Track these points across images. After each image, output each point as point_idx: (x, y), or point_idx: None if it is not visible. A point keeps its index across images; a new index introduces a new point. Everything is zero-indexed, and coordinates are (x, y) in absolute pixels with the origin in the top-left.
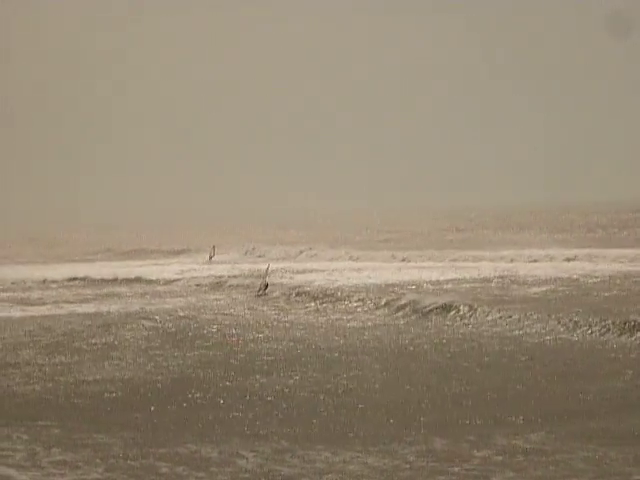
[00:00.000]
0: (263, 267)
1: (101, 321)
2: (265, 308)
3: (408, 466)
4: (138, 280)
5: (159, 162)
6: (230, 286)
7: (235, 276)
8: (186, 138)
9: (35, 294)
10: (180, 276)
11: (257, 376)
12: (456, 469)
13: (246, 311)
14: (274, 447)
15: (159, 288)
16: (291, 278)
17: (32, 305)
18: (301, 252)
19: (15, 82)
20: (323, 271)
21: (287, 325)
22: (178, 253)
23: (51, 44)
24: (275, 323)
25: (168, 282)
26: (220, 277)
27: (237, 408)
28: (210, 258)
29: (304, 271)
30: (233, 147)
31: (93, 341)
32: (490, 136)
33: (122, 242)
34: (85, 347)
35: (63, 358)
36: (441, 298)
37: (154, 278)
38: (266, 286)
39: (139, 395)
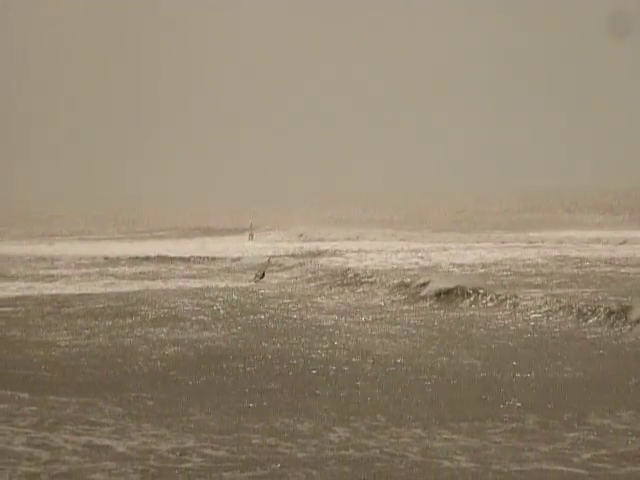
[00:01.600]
0: (312, 247)
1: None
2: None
3: (495, 445)
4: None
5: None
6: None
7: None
8: (249, 123)
9: (132, 269)
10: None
11: (353, 358)
12: (545, 448)
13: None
14: (368, 423)
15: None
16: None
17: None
18: (358, 237)
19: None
20: (367, 252)
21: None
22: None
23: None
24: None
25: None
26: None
27: (335, 385)
28: (251, 237)
29: (359, 251)
30: (291, 132)
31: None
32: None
33: (188, 220)
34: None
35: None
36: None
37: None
38: (263, 274)
39: (239, 371)
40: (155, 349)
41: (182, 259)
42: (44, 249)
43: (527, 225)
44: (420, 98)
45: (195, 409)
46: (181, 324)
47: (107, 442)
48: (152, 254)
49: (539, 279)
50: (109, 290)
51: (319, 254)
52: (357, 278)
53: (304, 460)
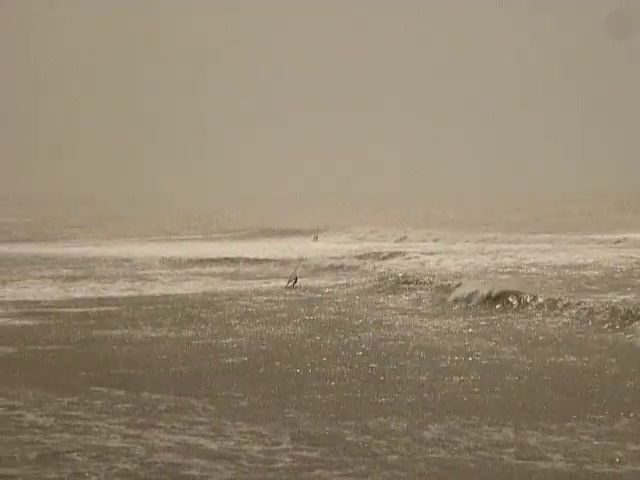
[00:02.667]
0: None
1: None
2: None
3: (587, 444)
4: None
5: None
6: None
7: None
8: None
9: (215, 269)
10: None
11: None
12: (636, 447)
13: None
14: (462, 422)
15: None
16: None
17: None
18: (432, 238)
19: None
20: (443, 253)
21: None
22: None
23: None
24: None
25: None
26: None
27: (429, 386)
28: (315, 239)
29: (432, 253)
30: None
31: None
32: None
33: (256, 222)
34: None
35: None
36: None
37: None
38: (296, 279)
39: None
40: (243, 347)
41: (257, 260)
42: (138, 250)
43: (615, 225)
44: (484, 94)
45: (289, 408)
46: (260, 321)
47: (201, 441)
48: (229, 255)
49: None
50: (200, 290)
51: (388, 256)
52: (415, 281)
53: (393, 462)
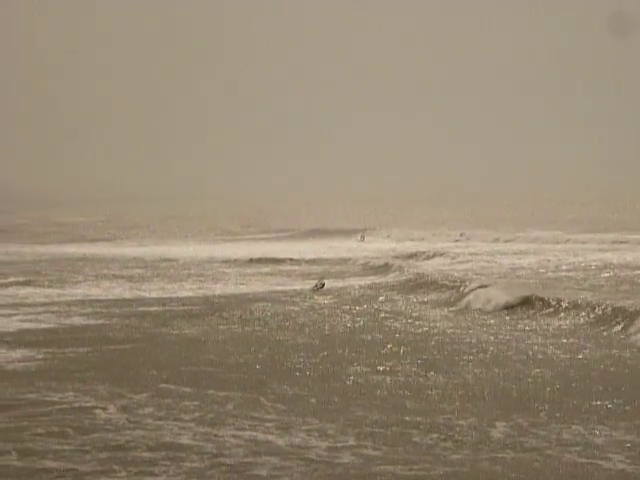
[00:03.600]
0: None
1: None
2: None
3: None
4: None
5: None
6: None
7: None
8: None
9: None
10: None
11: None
12: None
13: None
14: (531, 420)
15: None
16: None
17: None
18: (496, 239)
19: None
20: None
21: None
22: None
23: None
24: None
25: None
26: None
27: (497, 384)
28: (362, 239)
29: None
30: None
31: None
32: None
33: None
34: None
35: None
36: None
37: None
38: (323, 284)
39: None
40: (308, 344)
41: (308, 261)
42: (198, 249)
43: None
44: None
45: (356, 406)
46: (326, 320)
47: (270, 438)
48: (280, 255)
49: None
50: (265, 288)
51: (432, 256)
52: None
53: (457, 460)
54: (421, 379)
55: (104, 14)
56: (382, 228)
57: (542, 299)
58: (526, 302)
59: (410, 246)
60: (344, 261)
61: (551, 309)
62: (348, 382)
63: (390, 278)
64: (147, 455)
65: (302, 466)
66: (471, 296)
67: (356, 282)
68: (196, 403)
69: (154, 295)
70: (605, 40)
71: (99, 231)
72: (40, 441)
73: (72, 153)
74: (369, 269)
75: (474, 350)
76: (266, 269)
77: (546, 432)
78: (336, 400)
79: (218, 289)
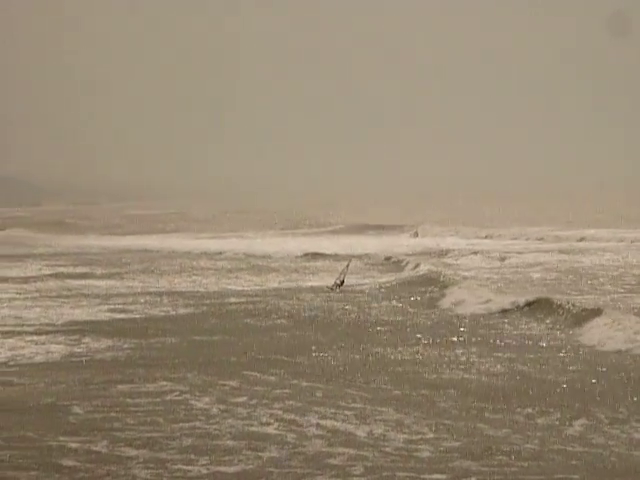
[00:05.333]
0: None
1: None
2: None
3: None
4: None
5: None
6: None
7: None
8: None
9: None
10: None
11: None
12: None
13: None
14: (610, 416)
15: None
16: None
17: None
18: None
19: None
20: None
21: None
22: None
23: None
24: None
25: None
26: None
27: (575, 381)
28: (415, 234)
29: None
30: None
31: None
32: None
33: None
34: None
35: None
36: None
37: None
38: (342, 281)
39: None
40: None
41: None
42: (271, 243)
43: None
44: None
45: (438, 399)
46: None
47: (350, 428)
48: (327, 251)
49: None
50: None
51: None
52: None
53: (529, 455)
54: (505, 376)
55: (135, 11)
56: (437, 225)
57: None
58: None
59: (454, 243)
60: (367, 256)
61: None
62: (432, 377)
63: (403, 275)
64: (230, 444)
65: (377, 458)
66: (447, 297)
67: (376, 280)
68: (287, 392)
69: (239, 287)
70: (605, 40)
71: (169, 224)
72: (130, 430)
73: (123, 153)
74: (391, 265)
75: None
76: (320, 263)
77: (620, 432)
78: (419, 393)
79: (302, 282)
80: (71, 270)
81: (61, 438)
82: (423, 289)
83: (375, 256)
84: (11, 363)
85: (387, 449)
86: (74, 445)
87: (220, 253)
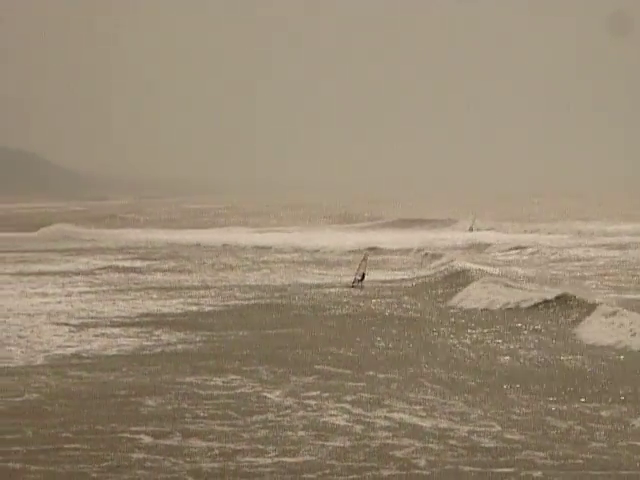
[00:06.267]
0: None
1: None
2: None
3: None
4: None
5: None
6: None
7: None
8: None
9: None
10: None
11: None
12: None
13: None
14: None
15: None
16: None
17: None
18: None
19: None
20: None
21: None
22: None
23: None
24: None
25: None
26: None
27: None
28: (470, 230)
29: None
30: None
31: None
32: None
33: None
34: None
35: None
36: None
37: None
38: (363, 276)
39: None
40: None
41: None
42: (320, 237)
43: None
44: None
45: (509, 391)
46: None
47: (416, 420)
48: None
49: None
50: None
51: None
52: None
53: (596, 448)
54: (565, 374)
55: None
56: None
57: None
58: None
59: (504, 238)
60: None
61: None
62: (503, 369)
63: (429, 271)
64: (301, 434)
65: (441, 450)
66: (463, 293)
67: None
68: (362, 384)
69: (308, 281)
70: (605, 40)
71: (225, 218)
72: (202, 423)
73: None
74: (422, 259)
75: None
76: (381, 257)
77: None
78: (488, 383)
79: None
80: (136, 264)
81: (133, 429)
82: (447, 284)
83: (417, 250)
84: (84, 355)
85: (451, 441)
86: (145, 438)
87: (281, 248)
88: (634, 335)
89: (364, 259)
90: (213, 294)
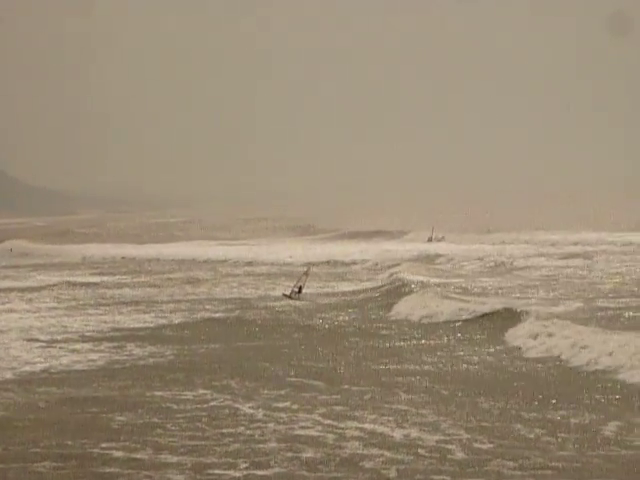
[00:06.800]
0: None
1: None
2: None
3: None
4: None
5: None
6: None
7: None
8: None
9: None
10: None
11: None
12: None
13: None
14: None
15: None
16: None
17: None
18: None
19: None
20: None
21: None
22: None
23: None
24: None
25: None
26: None
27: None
28: (429, 240)
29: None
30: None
31: None
32: None
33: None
34: None
35: None
36: None
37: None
38: (300, 288)
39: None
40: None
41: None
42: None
43: None
44: None
45: (478, 399)
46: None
47: (385, 430)
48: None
49: None
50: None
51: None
52: None
53: (565, 457)
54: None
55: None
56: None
57: None
58: None
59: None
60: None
61: None
62: (475, 382)
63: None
64: (272, 446)
65: (410, 460)
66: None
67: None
68: (336, 397)
69: (277, 293)
70: (605, 40)
71: (187, 232)
72: (172, 437)
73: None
74: (370, 271)
75: None
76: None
77: None
78: (461, 394)
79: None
80: (94, 279)
81: (103, 445)
82: (381, 297)
83: (368, 262)
84: (52, 371)
85: (420, 450)
86: (116, 453)
87: (250, 262)
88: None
89: (306, 273)
90: (184, 308)
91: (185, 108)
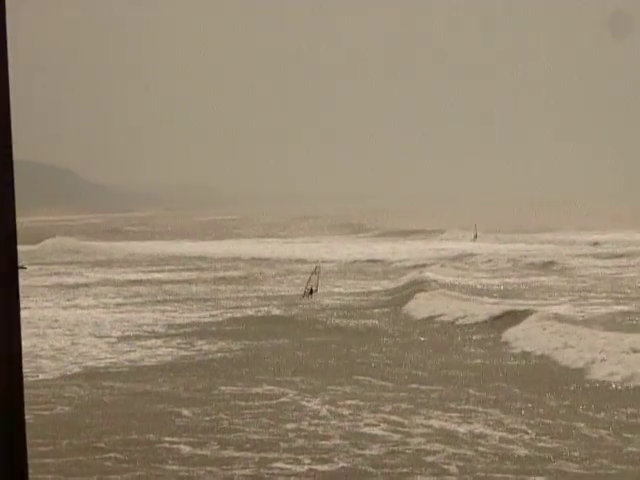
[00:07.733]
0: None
1: None
2: None
3: None
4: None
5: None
6: None
7: None
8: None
9: None
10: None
11: None
12: None
13: None
14: None
15: None
16: None
17: None
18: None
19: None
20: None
21: None
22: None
23: None
24: None
25: None
26: None
27: None
28: (475, 237)
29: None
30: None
31: None
32: None
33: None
34: None
35: None
36: None
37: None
38: (311, 290)
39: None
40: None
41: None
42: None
43: None
44: None
45: (542, 399)
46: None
47: (453, 427)
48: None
49: None
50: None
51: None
52: None
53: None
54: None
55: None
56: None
57: None
58: None
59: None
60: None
61: None
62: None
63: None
64: (336, 442)
65: (472, 456)
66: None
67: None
68: (402, 394)
69: (348, 290)
70: (605, 40)
71: (238, 230)
72: (237, 432)
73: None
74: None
75: None
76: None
77: None
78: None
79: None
80: (160, 276)
81: (167, 440)
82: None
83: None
84: (120, 366)
85: (481, 448)
86: (181, 448)
87: (303, 259)
88: None
89: (315, 272)
90: (250, 304)
91: (249, 108)
